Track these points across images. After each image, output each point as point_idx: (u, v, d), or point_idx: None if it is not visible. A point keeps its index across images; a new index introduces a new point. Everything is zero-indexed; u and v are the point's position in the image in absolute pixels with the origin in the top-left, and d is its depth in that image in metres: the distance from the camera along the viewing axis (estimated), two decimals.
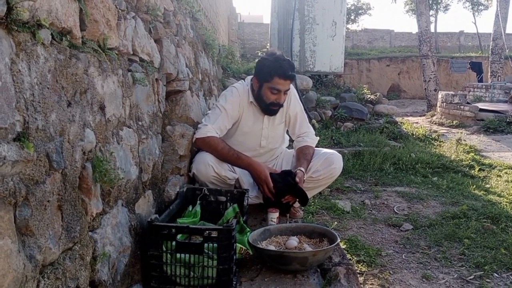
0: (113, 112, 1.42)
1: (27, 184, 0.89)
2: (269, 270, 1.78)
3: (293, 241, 1.93)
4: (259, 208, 2.44)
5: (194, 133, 2.25)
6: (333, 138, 5.34)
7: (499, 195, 3.82)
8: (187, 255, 1.56)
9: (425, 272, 2.30)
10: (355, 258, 2.39)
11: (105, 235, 1.28)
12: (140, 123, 1.74)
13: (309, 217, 2.98)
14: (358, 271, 2.25)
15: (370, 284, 2.14)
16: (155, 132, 1.94)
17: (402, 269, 2.34)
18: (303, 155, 2.40)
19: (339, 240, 1.80)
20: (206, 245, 1.55)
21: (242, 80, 2.53)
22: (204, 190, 2.07)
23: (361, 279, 2.16)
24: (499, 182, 4.33)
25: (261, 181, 2.17)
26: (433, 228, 2.95)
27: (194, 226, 1.60)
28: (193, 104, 2.53)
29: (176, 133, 2.17)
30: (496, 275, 2.28)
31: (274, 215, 2.08)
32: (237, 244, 1.70)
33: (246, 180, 2.39)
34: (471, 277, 2.24)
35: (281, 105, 2.34)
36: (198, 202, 2.05)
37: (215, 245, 1.55)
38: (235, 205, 2.04)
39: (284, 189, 2.14)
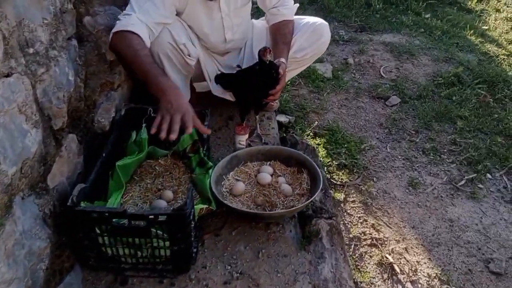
0: None
1: None
2: (236, 219, 1.48)
3: (266, 175, 1.57)
4: (223, 107, 1.98)
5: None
6: None
7: (497, 44, 3.39)
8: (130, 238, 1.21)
9: (411, 175, 2.07)
10: (336, 162, 2.09)
11: None
12: (30, 50, 1.10)
13: (283, 92, 2.54)
14: (339, 183, 1.98)
15: (352, 201, 1.89)
16: (62, 45, 1.28)
17: (386, 172, 2.08)
18: (281, 37, 1.79)
19: (322, 185, 1.45)
20: (153, 229, 1.18)
21: None
22: (150, 110, 1.55)
23: (342, 195, 1.91)
24: (497, 21, 3.82)
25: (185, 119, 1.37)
26: (422, 101, 2.62)
27: (132, 212, 1.17)
28: None
29: (99, 27, 1.51)
30: (490, 176, 2.07)
31: (242, 138, 1.65)
32: (195, 206, 1.33)
33: (210, 68, 1.88)
34: (462, 182, 2.03)
35: None
36: (144, 125, 1.56)
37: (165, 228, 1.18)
38: (193, 129, 1.57)
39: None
